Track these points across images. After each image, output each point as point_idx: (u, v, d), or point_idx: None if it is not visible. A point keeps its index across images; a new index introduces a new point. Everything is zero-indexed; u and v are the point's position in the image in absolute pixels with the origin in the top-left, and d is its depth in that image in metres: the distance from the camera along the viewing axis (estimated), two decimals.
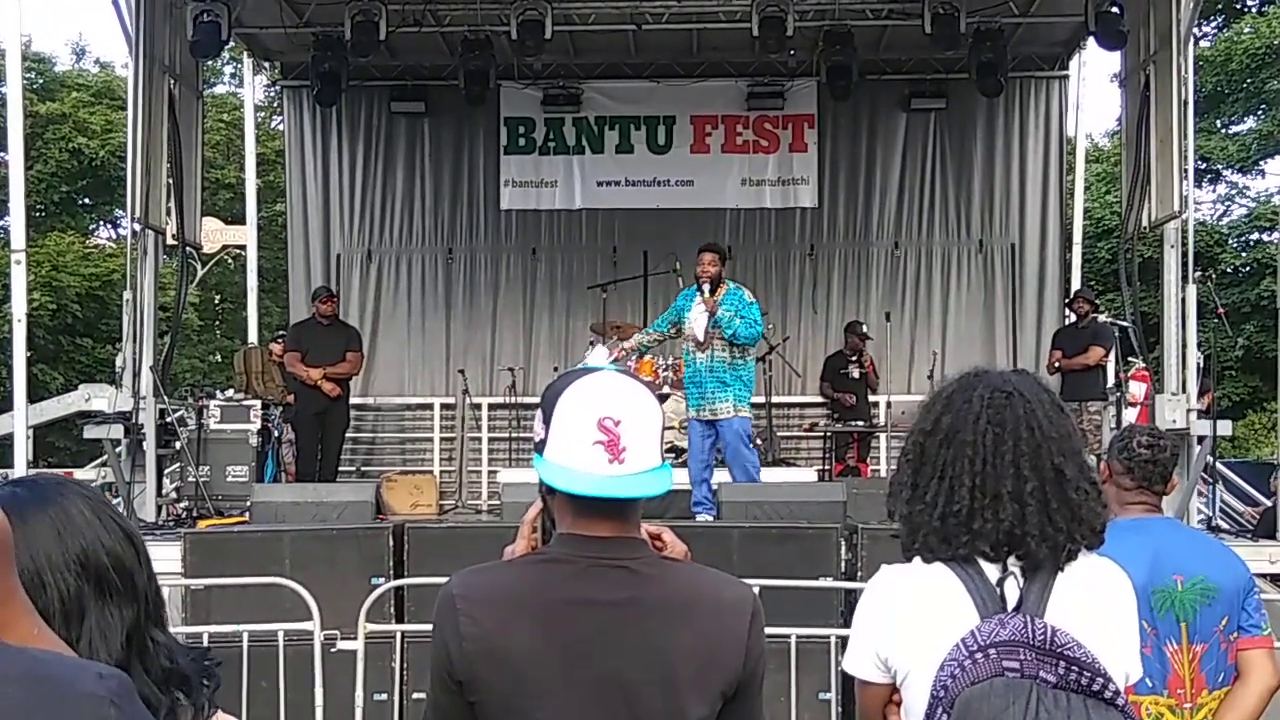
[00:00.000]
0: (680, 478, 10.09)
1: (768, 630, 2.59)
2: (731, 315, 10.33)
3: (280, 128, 23.11)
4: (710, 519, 10.02)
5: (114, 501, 12.20)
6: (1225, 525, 12.06)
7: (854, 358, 14.88)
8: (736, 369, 10.50)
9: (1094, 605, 2.55)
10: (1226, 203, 29.22)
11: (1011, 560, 2.54)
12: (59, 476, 2.01)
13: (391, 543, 9.07)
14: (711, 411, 10.41)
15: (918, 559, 2.61)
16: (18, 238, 11.41)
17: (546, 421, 2.48)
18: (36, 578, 1.81)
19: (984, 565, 2.54)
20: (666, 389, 12.32)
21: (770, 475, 11.37)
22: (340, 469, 13.61)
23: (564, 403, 2.46)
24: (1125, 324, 13.28)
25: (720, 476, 10.67)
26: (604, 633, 2.41)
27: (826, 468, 14.56)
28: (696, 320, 10.46)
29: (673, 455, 11.96)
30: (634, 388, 2.49)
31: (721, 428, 10.43)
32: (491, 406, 15.78)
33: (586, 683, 2.39)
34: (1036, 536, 2.51)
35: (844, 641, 2.79)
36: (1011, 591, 2.52)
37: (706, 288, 10.43)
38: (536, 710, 2.38)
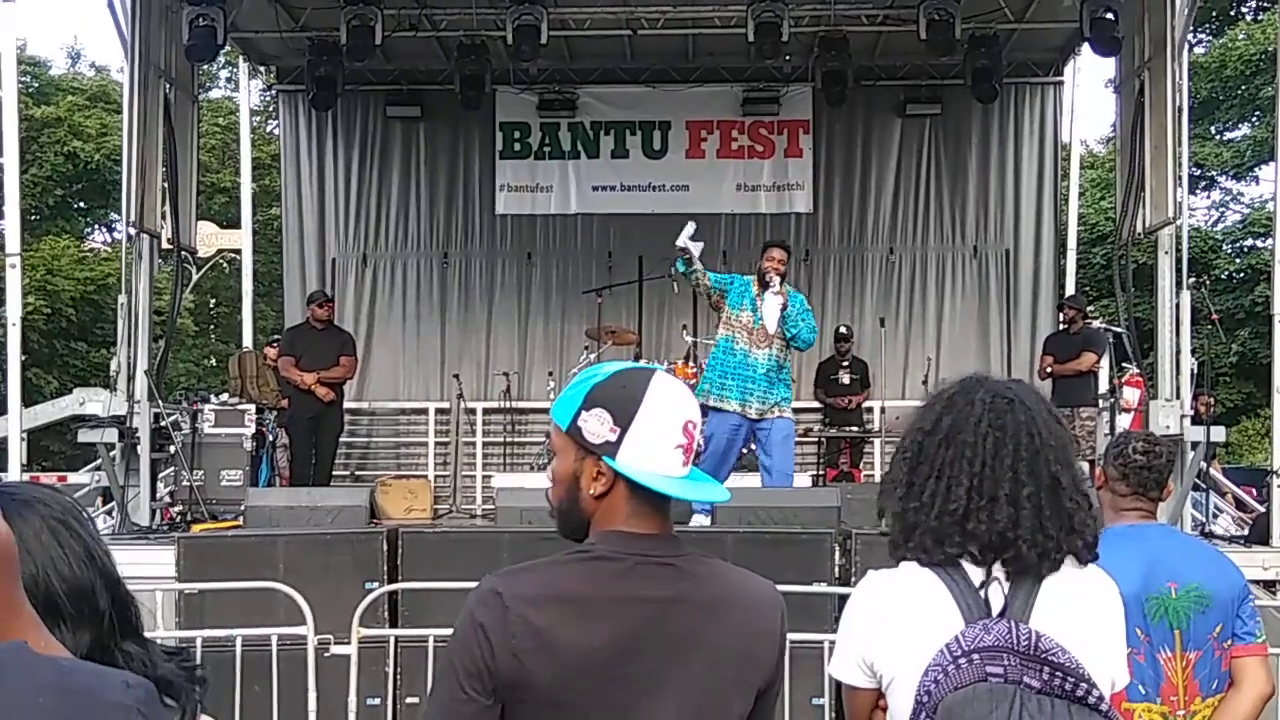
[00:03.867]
0: None
1: None
2: (796, 315, 10.30)
3: (276, 132, 23.12)
4: (707, 523, 9.97)
5: (106, 507, 12.21)
6: (1219, 531, 12.06)
7: (845, 363, 14.90)
8: (786, 370, 10.51)
9: (1079, 611, 2.55)
10: (1221, 209, 29.28)
11: (997, 566, 2.54)
12: (26, 492, 1.97)
13: (386, 547, 9.05)
14: (759, 411, 10.25)
15: (904, 564, 2.62)
16: (12, 241, 11.39)
17: (622, 424, 2.44)
18: None
19: (969, 569, 2.55)
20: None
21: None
22: (334, 473, 13.58)
23: (650, 405, 2.44)
24: (1119, 330, 13.28)
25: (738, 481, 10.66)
26: (653, 629, 2.41)
27: (820, 473, 14.57)
28: (769, 312, 10.24)
29: None
30: (691, 392, 2.54)
31: (773, 427, 10.34)
32: (486, 411, 15.80)
33: (636, 679, 2.39)
34: (1028, 541, 2.52)
35: None
36: (996, 597, 2.52)
37: (777, 280, 10.28)
38: (584, 706, 2.37)
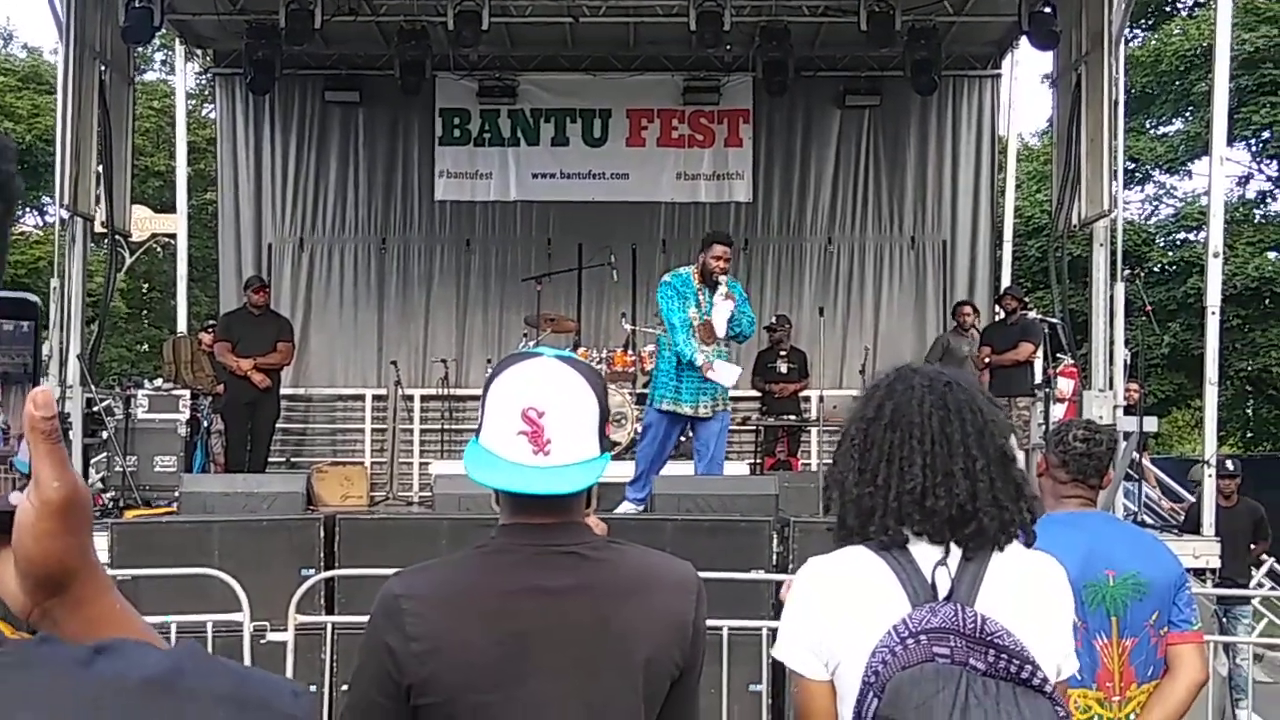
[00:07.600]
0: (617, 470, 9.44)
1: None
2: (743, 313, 10.11)
3: (212, 116, 22.89)
4: (632, 510, 9.93)
5: None
6: (1150, 521, 12.21)
7: (783, 353, 14.92)
8: (725, 358, 10.28)
9: (1025, 596, 2.57)
10: (1155, 202, 29.60)
11: (953, 543, 2.56)
12: None
13: (322, 534, 9.00)
14: (710, 408, 10.01)
15: (848, 547, 2.63)
16: None
17: (483, 407, 2.45)
18: None
19: (922, 550, 2.56)
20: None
21: None
22: (270, 460, 13.50)
23: (493, 390, 2.43)
24: (1054, 321, 13.41)
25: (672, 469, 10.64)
26: (556, 619, 2.38)
27: (758, 461, 14.62)
28: (719, 319, 9.93)
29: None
30: (565, 376, 2.42)
31: (714, 421, 10.13)
32: (424, 398, 15.73)
33: (542, 671, 2.36)
34: (988, 513, 2.55)
35: (775, 634, 2.78)
36: (942, 580, 2.54)
37: (725, 280, 9.96)
38: (494, 703, 2.34)
